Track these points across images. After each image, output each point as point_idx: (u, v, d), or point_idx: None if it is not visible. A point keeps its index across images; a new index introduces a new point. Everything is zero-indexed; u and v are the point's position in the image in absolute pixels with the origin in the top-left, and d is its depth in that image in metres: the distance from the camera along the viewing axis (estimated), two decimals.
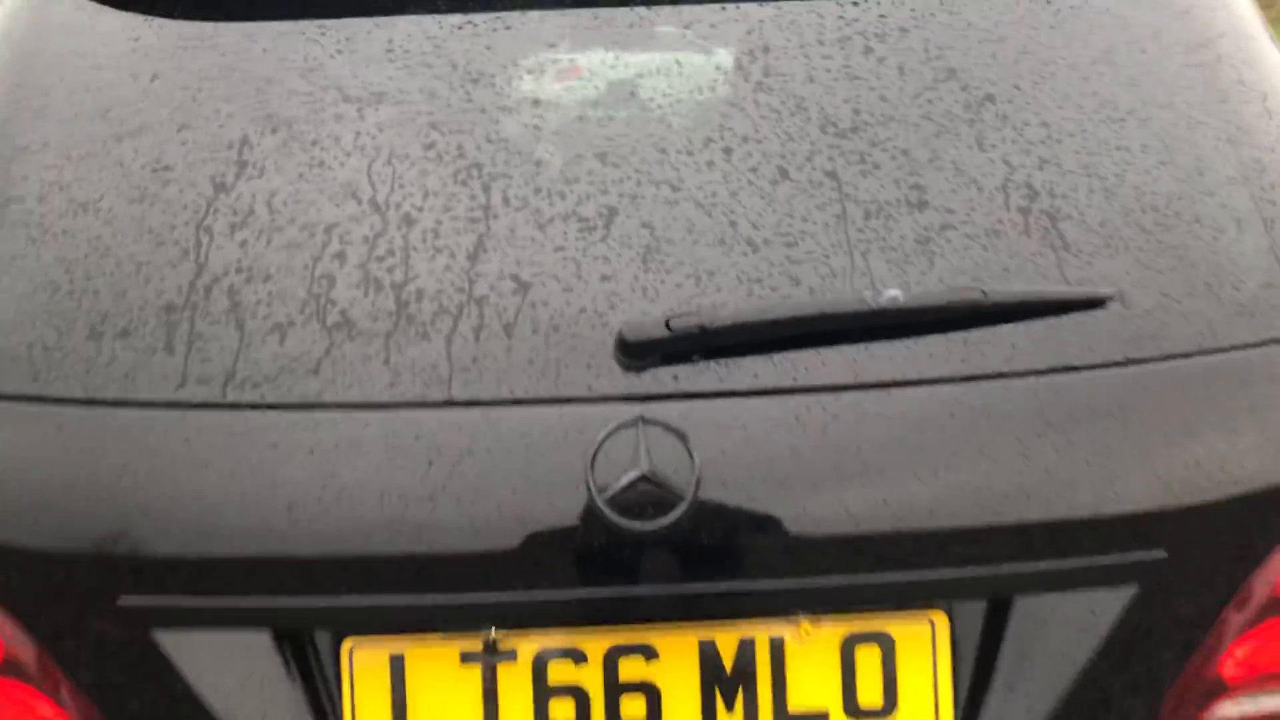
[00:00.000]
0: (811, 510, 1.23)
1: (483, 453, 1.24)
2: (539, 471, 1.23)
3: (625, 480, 1.22)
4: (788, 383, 1.26)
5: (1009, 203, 1.34)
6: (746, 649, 1.26)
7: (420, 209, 1.34)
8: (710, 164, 1.35)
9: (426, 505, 1.23)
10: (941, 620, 1.28)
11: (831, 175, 1.34)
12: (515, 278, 1.30)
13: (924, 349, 1.27)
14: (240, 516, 1.25)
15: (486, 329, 1.28)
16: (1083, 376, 1.27)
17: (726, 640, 1.26)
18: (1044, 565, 1.26)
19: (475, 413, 1.25)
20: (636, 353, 1.25)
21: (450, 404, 1.26)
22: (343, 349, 1.28)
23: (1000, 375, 1.27)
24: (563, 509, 1.23)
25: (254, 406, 1.27)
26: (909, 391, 1.26)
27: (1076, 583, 1.27)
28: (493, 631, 1.26)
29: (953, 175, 1.35)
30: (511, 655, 1.25)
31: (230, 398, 1.27)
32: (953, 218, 1.33)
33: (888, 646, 1.28)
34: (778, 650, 1.27)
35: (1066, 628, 1.27)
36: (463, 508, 1.23)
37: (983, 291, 1.25)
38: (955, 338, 1.28)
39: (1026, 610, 1.25)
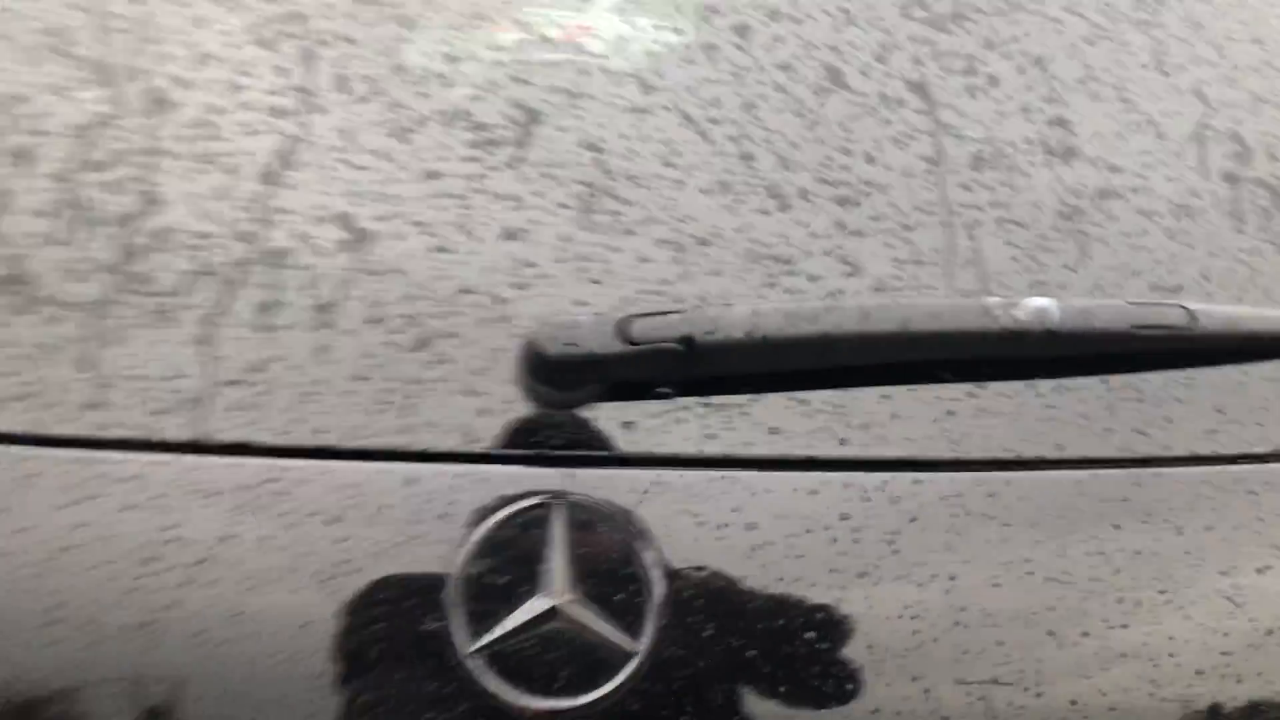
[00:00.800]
0: (868, 683, 0.67)
1: (253, 545, 0.65)
2: (361, 589, 0.65)
3: (522, 616, 0.65)
4: (832, 450, 0.69)
5: (1207, 162, 0.79)
6: None
7: (185, 84, 0.74)
8: (711, 50, 0.77)
9: (136, 638, 0.64)
10: None
11: (919, 89, 0.77)
12: (345, 221, 0.71)
13: (1077, 405, 0.71)
14: None
15: (286, 312, 0.69)
16: None
17: None
18: None
19: (247, 470, 0.66)
20: (561, 378, 0.67)
21: (202, 448, 0.67)
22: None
23: (1199, 459, 0.72)
24: (402, 665, 0.65)
25: None
26: (1050, 479, 0.70)
27: None
28: None
29: (1117, 108, 0.79)
30: None
31: None
32: (1117, 180, 0.78)
33: None
34: None
35: None
36: (206, 647, 0.64)
37: (1186, 310, 0.69)
38: (1131, 390, 0.72)
39: None
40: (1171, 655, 0.69)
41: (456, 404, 0.68)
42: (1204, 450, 0.72)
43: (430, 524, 0.66)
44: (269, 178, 0.72)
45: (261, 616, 0.65)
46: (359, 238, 0.71)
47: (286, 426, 0.67)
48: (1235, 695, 0.70)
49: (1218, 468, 0.72)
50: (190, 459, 0.67)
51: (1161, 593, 0.70)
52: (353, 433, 0.67)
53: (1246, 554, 0.71)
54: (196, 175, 0.72)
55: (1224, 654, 0.69)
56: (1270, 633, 0.70)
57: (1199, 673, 0.69)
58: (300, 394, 0.68)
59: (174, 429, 0.67)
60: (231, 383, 0.68)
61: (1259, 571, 0.71)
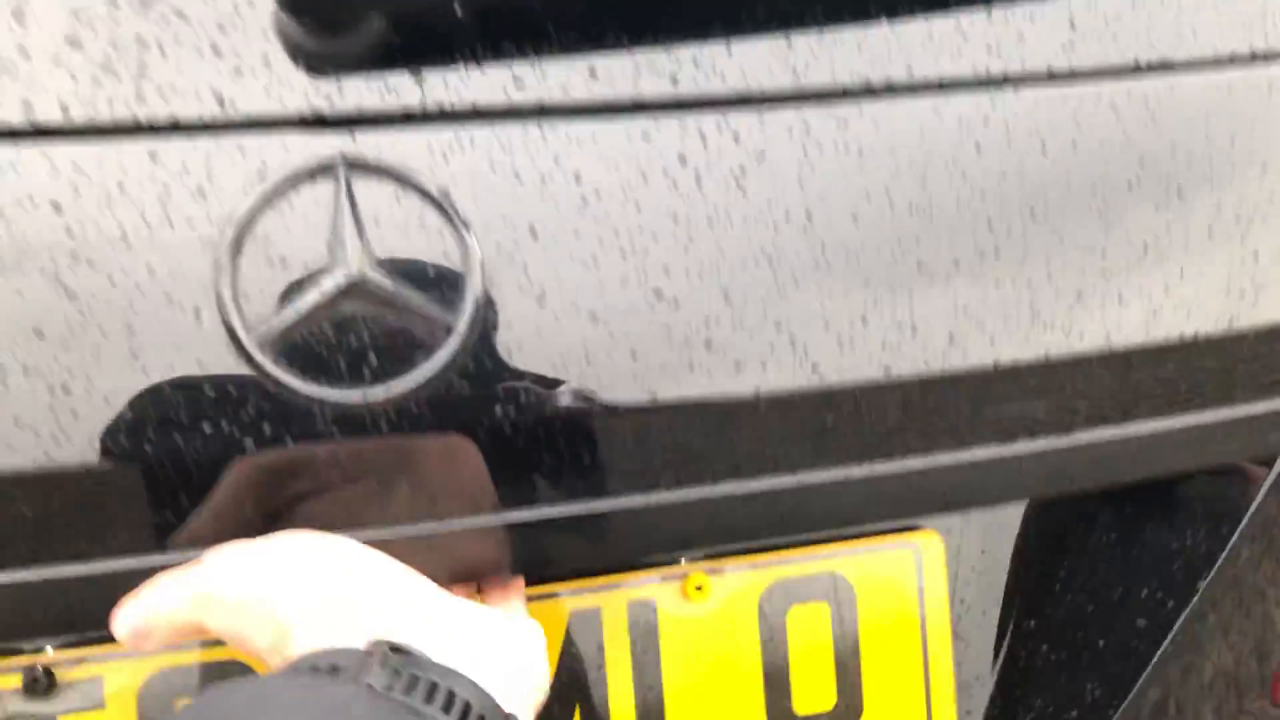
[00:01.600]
0: (722, 333, 0.59)
1: None
2: (107, 286, 0.53)
3: (314, 298, 0.54)
4: (663, 90, 0.60)
5: None
6: (587, 626, 0.62)
7: None
8: None
9: None
10: (932, 542, 0.71)
11: None
12: None
13: (921, 23, 0.64)
14: None
15: None
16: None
17: (548, 613, 0.62)
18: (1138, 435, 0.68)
19: None
20: (329, 18, 0.55)
21: None
22: None
23: (1056, 76, 0.66)
24: (176, 370, 0.53)
25: None
26: (903, 103, 0.63)
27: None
28: (49, 653, 0.58)
29: None
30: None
31: None
32: None
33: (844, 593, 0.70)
34: (645, 627, 0.65)
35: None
36: None
37: None
38: (979, 6, 0.65)
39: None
40: (1050, 278, 0.64)
41: (199, 64, 0.55)
42: (1061, 66, 0.66)
43: (185, 204, 0.54)
44: None
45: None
46: None
47: None
48: (1101, 325, 0.65)
49: (1077, 88, 0.66)
50: None
51: (1032, 217, 0.64)
52: (72, 105, 0.54)
53: (1114, 171, 0.66)
54: None
55: (1078, 297, 0.64)
56: (1147, 249, 0.66)
57: (1080, 295, 0.64)
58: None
59: None
60: None
61: (1129, 189, 0.66)
